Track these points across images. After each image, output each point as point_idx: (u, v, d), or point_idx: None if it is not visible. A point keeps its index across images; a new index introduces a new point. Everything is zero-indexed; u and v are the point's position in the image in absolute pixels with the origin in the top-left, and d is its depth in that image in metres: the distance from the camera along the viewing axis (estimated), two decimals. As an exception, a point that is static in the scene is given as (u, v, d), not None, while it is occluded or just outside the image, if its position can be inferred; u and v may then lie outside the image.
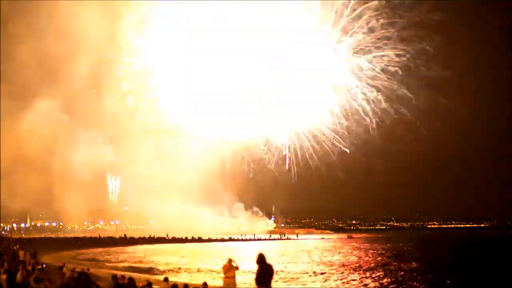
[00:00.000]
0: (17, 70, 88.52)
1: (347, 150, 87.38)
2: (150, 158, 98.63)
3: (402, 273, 32.03)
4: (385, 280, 28.57)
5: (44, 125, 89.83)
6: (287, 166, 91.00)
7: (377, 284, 27.08)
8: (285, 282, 27.87)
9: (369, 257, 46.60)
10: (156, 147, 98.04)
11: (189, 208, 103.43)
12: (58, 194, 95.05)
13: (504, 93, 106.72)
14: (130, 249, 66.37)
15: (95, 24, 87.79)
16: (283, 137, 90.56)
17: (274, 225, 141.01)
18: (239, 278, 17.38)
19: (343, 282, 27.92)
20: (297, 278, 29.76)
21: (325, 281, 28.79)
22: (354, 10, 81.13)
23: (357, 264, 38.81)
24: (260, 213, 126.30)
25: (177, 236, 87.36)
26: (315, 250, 60.61)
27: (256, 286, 11.16)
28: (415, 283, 26.93)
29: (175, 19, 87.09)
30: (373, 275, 30.77)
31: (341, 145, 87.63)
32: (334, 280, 29.15)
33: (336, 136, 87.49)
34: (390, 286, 26.33)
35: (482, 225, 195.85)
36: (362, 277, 30.04)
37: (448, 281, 27.83)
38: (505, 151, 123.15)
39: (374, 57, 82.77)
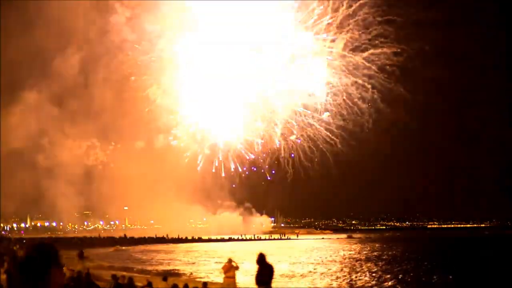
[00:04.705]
0: (6, 63, 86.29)
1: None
2: (141, 155, 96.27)
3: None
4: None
5: (33, 118, 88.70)
6: (282, 166, 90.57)
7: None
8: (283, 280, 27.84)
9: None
10: (148, 144, 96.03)
11: (181, 207, 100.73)
12: (48, 191, 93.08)
13: (504, 92, 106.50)
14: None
15: (86, 17, 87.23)
16: (279, 135, 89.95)
17: (272, 224, 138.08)
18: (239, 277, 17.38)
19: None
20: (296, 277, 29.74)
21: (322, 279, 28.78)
22: (350, 6, 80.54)
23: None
24: (253, 211, 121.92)
25: (177, 236, 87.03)
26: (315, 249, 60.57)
27: (256, 286, 11.16)
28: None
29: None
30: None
31: (336, 145, 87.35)
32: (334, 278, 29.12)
33: (332, 136, 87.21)
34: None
35: (482, 225, 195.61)
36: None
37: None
38: (506, 151, 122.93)
39: (371, 54, 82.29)
